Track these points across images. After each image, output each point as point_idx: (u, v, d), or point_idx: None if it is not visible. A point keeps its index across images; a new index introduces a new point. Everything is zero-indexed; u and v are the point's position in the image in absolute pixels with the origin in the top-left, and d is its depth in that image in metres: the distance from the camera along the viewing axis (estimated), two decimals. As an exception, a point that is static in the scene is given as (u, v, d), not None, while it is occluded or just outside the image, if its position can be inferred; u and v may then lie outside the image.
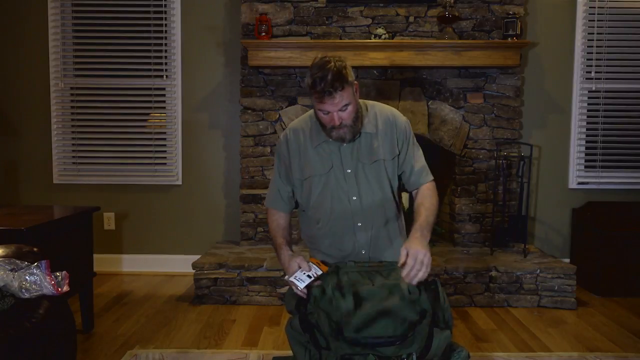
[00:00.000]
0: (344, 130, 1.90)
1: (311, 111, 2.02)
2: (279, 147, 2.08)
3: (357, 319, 1.62)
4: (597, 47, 3.82)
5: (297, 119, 2.12)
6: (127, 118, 3.91)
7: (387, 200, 2.02)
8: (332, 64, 1.81)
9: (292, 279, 1.81)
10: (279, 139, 2.09)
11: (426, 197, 2.00)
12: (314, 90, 1.81)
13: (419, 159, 2.05)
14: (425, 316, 1.66)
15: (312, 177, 1.99)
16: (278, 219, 2.10)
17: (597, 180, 3.89)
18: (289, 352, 1.90)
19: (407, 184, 2.07)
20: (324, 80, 1.78)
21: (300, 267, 1.86)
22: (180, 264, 3.89)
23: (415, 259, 1.77)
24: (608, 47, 3.82)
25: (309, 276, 1.81)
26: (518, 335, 2.82)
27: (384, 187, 2.00)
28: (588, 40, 3.82)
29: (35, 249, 1.95)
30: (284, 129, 3.61)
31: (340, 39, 3.59)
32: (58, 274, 1.77)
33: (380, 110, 2.04)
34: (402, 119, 2.04)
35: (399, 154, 2.01)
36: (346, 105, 1.84)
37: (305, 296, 1.81)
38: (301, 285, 1.78)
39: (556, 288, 3.23)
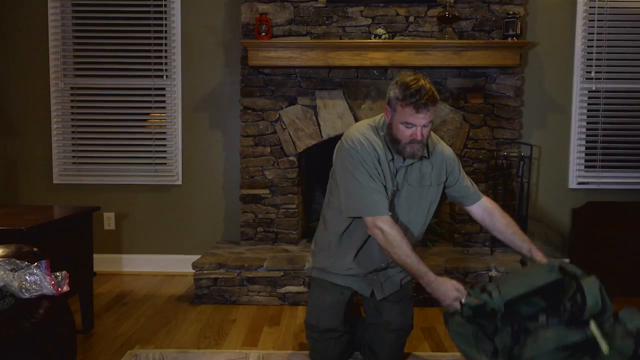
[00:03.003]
0: (418, 147, 1.97)
1: (372, 124, 2.05)
2: (363, 149, 1.98)
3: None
4: (597, 47, 3.82)
5: (358, 127, 2.07)
6: (127, 118, 3.91)
7: (421, 225, 2.16)
8: (424, 81, 1.90)
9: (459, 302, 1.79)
10: (356, 144, 1.99)
11: (509, 218, 2.17)
12: (412, 101, 1.86)
13: (467, 180, 2.24)
14: None
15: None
16: (399, 227, 1.96)
17: (597, 180, 3.89)
18: (289, 352, 1.90)
19: (463, 200, 2.23)
20: (424, 94, 1.87)
21: (457, 291, 1.81)
22: (180, 264, 3.89)
23: None
24: (608, 47, 3.82)
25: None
26: (518, 335, 2.81)
27: (421, 210, 2.13)
28: (588, 40, 3.82)
29: (35, 249, 1.95)
30: (284, 129, 3.66)
31: (340, 39, 3.59)
32: (58, 274, 1.77)
33: (433, 141, 2.15)
34: (449, 151, 2.20)
35: (447, 180, 2.17)
36: (429, 122, 1.94)
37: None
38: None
39: (556, 288, 3.23)
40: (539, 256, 1.98)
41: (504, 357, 1.66)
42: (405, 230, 2.10)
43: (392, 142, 2.00)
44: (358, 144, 1.99)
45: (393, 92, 1.94)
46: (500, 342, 1.68)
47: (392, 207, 2.06)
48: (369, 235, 2.05)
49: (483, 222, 2.24)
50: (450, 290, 1.81)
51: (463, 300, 1.76)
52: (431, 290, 1.86)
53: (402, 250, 1.90)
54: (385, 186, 2.01)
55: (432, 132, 2.15)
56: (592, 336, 1.55)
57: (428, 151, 2.12)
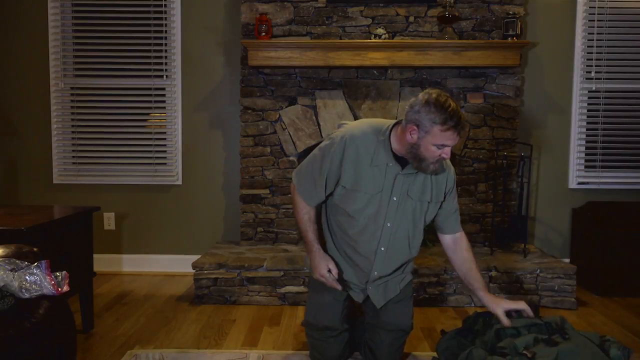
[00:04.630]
0: (439, 165, 2.00)
1: (378, 131, 2.05)
2: (333, 147, 2.05)
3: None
4: (597, 47, 3.82)
5: (357, 129, 2.08)
6: (127, 118, 3.91)
7: (415, 238, 2.15)
8: (452, 100, 1.91)
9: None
10: (334, 140, 2.06)
11: (471, 254, 2.21)
12: (453, 124, 1.86)
13: (457, 205, 2.22)
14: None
15: (359, 192, 2.04)
16: (309, 212, 2.14)
17: (597, 180, 3.89)
18: (289, 352, 1.90)
19: (443, 225, 2.21)
20: (460, 115, 1.88)
21: (330, 272, 2.09)
22: (180, 264, 3.89)
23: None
24: (608, 47, 3.82)
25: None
26: (518, 335, 2.81)
27: (417, 225, 2.13)
28: (588, 40, 3.82)
29: (35, 249, 1.95)
30: (284, 129, 3.66)
31: (340, 39, 3.59)
32: (58, 274, 1.76)
33: None
34: (452, 170, 2.18)
35: (444, 201, 2.15)
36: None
37: (339, 287, 2.11)
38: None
39: (556, 288, 3.23)
40: (488, 300, 2.04)
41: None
42: (396, 240, 2.10)
43: (414, 159, 1.97)
44: (337, 141, 2.05)
45: (426, 114, 1.87)
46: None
47: (382, 212, 2.06)
48: (360, 237, 2.10)
49: (446, 249, 2.25)
50: (319, 267, 2.08)
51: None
52: (309, 257, 2.15)
53: (305, 232, 2.14)
54: (356, 192, 2.05)
55: None
56: None
57: None
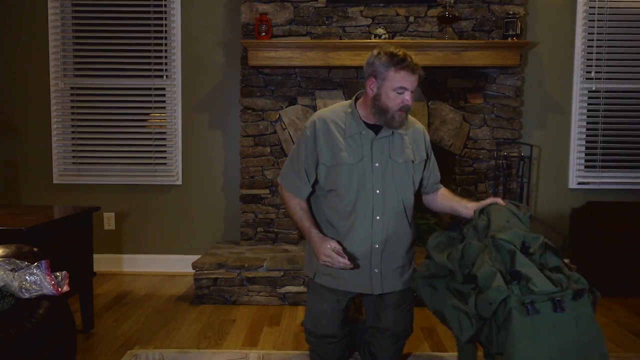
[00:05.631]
0: (404, 115, 2.04)
1: (345, 105, 2.15)
2: (305, 133, 2.13)
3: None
4: (597, 47, 3.82)
5: (324, 110, 2.20)
6: (127, 118, 3.91)
7: (407, 200, 2.14)
8: (405, 51, 2.03)
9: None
10: (305, 127, 2.15)
11: (448, 190, 2.28)
12: (402, 66, 1.97)
13: (436, 165, 2.28)
14: None
15: (340, 166, 2.08)
16: (300, 203, 2.17)
17: (597, 180, 3.89)
18: (289, 352, 1.90)
19: (426, 186, 2.25)
20: (411, 58, 2.00)
21: (329, 257, 2.03)
22: (180, 264, 3.89)
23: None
24: (608, 47, 3.82)
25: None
26: (518, 335, 2.81)
27: (406, 187, 2.13)
28: (588, 40, 3.82)
29: (35, 249, 1.95)
30: (284, 129, 3.66)
31: (340, 39, 3.59)
32: (58, 274, 1.77)
33: (408, 117, 2.19)
34: (425, 129, 2.25)
35: (427, 159, 2.19)
36: (414, 89, 2.04)
37: (350, 264, 2.03)
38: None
39: (556, 288, 3.23)
40: (471, 206, 2.06)
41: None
42: (389, 205, 2.10)
43: (379, 113, 2.04)
44: (308, 127, 2.14)
45: (380, 61, 2.01)
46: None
47: (368, 182, 2.08)
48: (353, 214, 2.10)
49: (428, 202, 2.30)
50: (322, 249, 2.05)
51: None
52: (310, 245, 2.15)
53: (301, 222, 2.15)
54: (337, 166, 2.07)
55: None
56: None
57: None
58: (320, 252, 2.06)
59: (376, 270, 2.13)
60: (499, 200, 1.98)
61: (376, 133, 2.09)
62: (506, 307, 1.63)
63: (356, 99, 2.16)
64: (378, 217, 2.09)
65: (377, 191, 2.08)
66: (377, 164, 2.08)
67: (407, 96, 2.00)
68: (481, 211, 1.94)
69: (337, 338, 2.21)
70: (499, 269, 1.69)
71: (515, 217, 1.87)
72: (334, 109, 2.18)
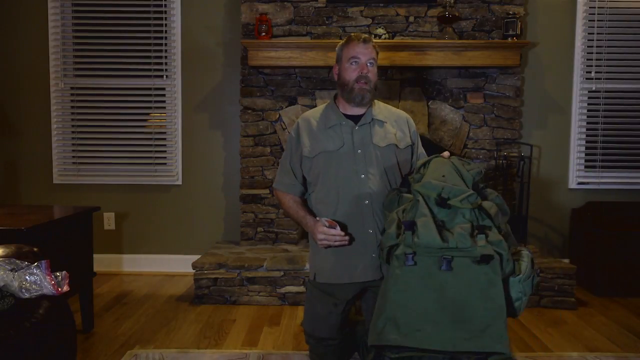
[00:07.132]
0: (366, 88, 2.10)
1: (327, 103, 2.26)
2: (290, 135, 2.25)
3: None
4: (597, 47, 3.82)
5: (308, 111, 2.32)
6: (127, 118, 3.91)
7: (394, 183, 2.15)
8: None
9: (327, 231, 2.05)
10: (291, 129, 2.27)
11: None
12: (350, 39, 2.12)
13: (424, 152, 2.29)
14: None
15: (322, 154, 2.13)
16: (294, 198, 2.23)
17: (597, 180, 3.89)
18: (289, 352, 1.90)
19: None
20: (359, 34, 2.14)
21: (324, 235, 2.05)
22: (180, 264, 3.89)
23: None
24: (608, 47, 3.82)
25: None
26: (518, 334, 2.82)
27: (393, 170, 2.15)
28: (588, 40, 3.82)
29: (35, 249, 1.95)
30: (284, 129, 3.66)
31: (340, 39, 3.59)
32: (58, 274, 1.77)
33: (386, 106, 2.28)
34: (409, 117, 2.29)
35: (413, 145, 2.23)
36: (373, 60, 2.12)
37: (347, 242, 2.04)
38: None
39: (556, 288, 3.23)
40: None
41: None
42: (376, 190, 2.09)
43: (343, 91, 2.14)
44: (293, 128, 2.25)
45: (338, 47, 2.19)
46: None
47: (352, 167, 2.10)
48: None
49: None
50: (316, 228, 2.07)
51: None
52: (308, 231, 2.17)
53: (296, 212, 2.20)
54: (319, 154, 2.13)
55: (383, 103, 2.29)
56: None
57: (375, 113, 2.18)
58: (315, 233, 2.08)
59: (374, 255, 2.11)
60: (444, 154, 1.98)
61: (356, 123, 2.16)
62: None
63: (335, 96, 2.25)
64: (367, 202, 2.10)
65: (362, 176, 2.10)
66: (359, 151, 2.12)
67: (364, 67, 2.09)
68: (423, 164, 1.95)
69: (336, 340, 2.21)
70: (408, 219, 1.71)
71: (456, 173, 1.83)
72: (316, 108, 2.29)
